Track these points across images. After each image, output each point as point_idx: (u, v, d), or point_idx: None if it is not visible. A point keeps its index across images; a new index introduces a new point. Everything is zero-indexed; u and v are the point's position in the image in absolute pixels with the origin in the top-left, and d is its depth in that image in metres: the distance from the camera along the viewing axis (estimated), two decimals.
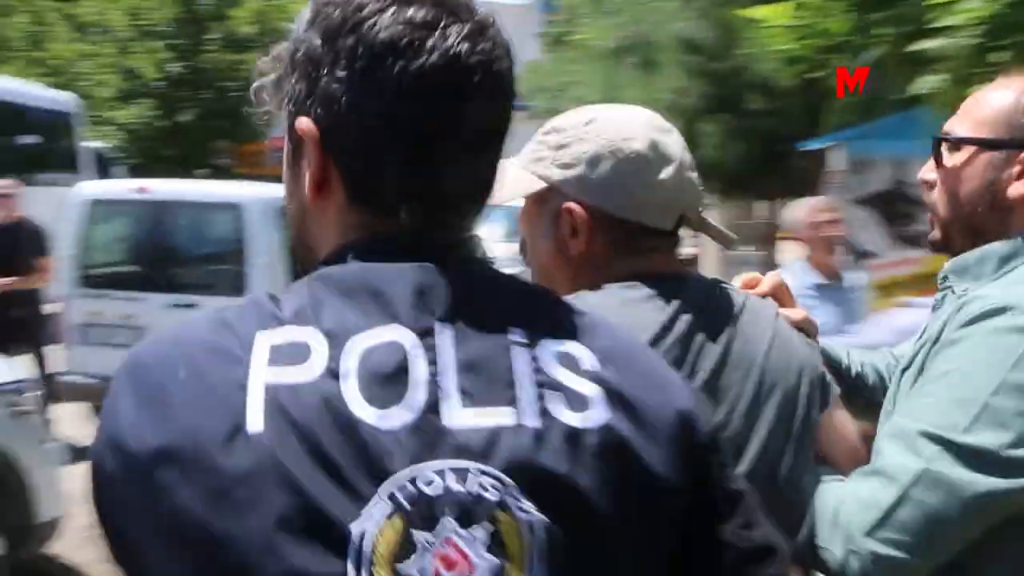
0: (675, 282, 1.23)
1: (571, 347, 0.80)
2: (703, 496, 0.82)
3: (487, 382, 0.76)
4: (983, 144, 1.34)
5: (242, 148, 23.65)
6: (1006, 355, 1.15)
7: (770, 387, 1.22)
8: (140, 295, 6.53)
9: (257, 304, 0.79)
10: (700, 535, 0.82)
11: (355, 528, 0.68)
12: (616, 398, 0.78)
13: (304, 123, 0.84)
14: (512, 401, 0.75)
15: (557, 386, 0.77)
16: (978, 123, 1.36)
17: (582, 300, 1.07)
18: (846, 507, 1.19)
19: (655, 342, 1.14)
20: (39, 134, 13.34)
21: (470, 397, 0.74)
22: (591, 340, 0.82)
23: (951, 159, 1.39)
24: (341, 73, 0.81)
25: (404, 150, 0.81)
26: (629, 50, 10.22)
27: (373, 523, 0.69)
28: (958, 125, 1.39)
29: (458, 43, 0.80)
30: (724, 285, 1.31)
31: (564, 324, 0.83)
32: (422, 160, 0.82)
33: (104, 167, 15.34)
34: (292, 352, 0.74)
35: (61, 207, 6.93)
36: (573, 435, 0.75)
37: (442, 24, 0.80)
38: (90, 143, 14.92)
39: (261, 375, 0.72)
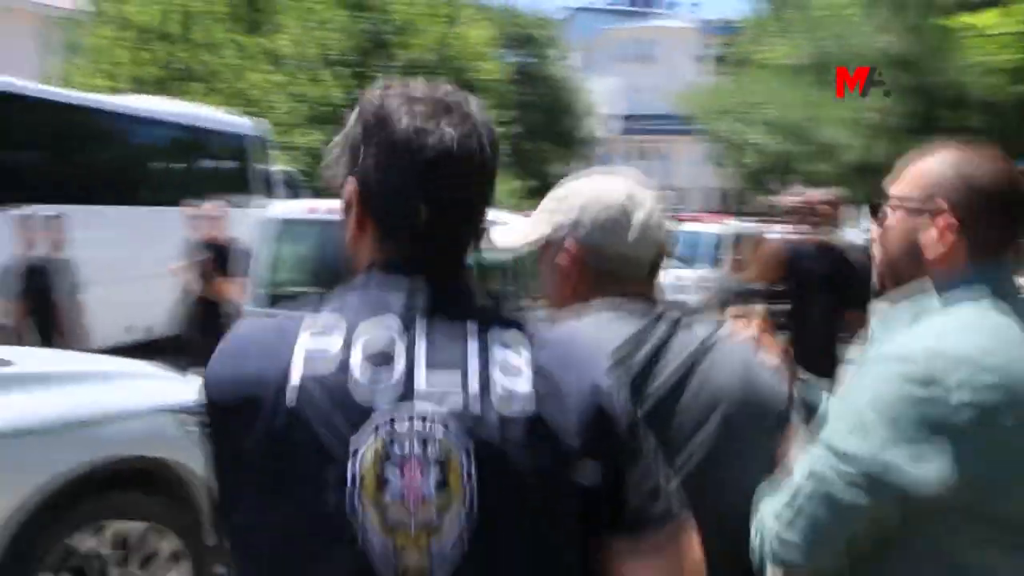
0: (652, 320, 1.52)
1: (513, 337, 1.17)
2: (613, 452, 1.15)
3: (447, 356, 1.13)
4: (907, 208, 1.56)
5: None
6: (887, 383, 1.38)
7: (723, 400, 1.47)
8: None
9: (312, 301, 1.19)
10: (608, 483, 1.14)
11: (352, 445, 1.08)
12: (540, 372, 1.14)
13: (350, 186, 1.25)
14: (464, 370, 1.12)
15: (497, 361, 1.13)
16: (906, 188, 1.57)
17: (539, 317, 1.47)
18: (765, 518, 1.44)
19: (624, 353, 1.44)
20: (230, 158, 13.99)
21: (433, 367, 1.12)
22: (531, 334, 1.18)
23: (888, 218, 1.60)
24: (372, 156, 1.21)
25: (411, 207, 1.19)
26: (825, 67, 9.58)
27: (363, 444, 1.08)
28: (894, 188, 1.60)
29: (450, 137, 1.18)
30: (675, 313, 1.56)
31: (512, 323, 1.20)
32: (423, 214, 1.19)
33: (293, 190, 15.88)
34: (324, 330, 1.14)
35: (253, 228, 7.03)
36: (505, 395, 1.11)
37: (439, 123, 1.18)
38: (280, 167, 15.50)
39: (304, 343, 1.12)
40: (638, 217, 1.58)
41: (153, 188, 12.52)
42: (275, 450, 1.10)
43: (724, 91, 21.32)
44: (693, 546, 1.20)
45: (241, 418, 1.12)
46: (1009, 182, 1.51)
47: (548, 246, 1.65)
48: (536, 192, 42.78)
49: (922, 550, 1.39)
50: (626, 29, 59.41)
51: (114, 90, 20.51)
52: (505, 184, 39.26)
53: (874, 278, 1.66)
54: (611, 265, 1.59)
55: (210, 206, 7.58)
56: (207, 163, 13.76)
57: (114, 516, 3.74)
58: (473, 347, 1.14)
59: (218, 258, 7.15)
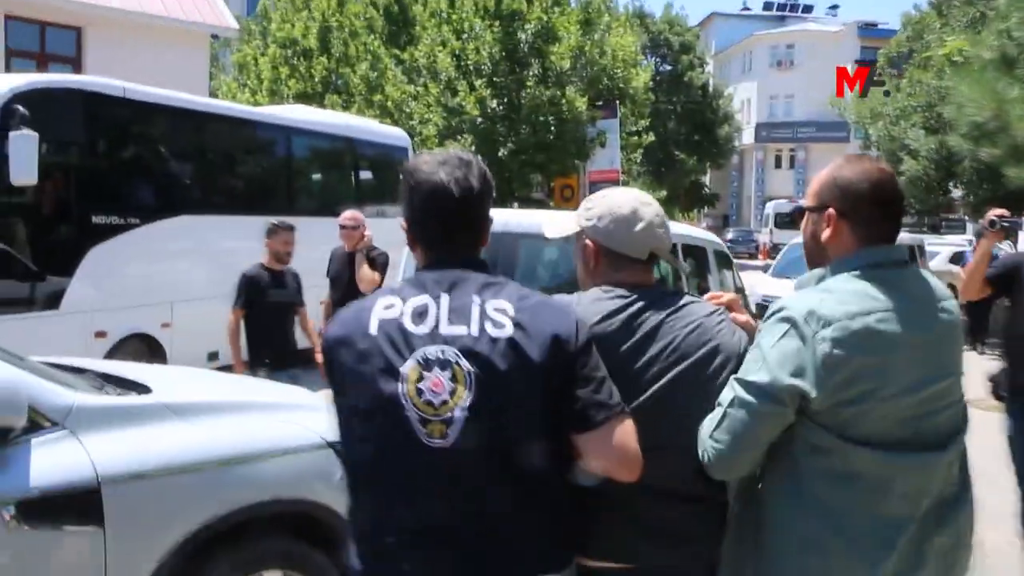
0: (637, 289, 2.19)
1: (502, 303, 1.95)
2: (566, 373, 1.91)
3: (459, 316, 1.93)
4: (808, 209, 2.18)
5: (555, 182, 23.82)
6: (776, 332, 1.99)
7: (682, 353, 2.11)
8: None
9: (383, 289, 2.14)
10: (564, 392, 1.91)
11: (401, 369, 1.90)
12: (518, 324, 1.91)
13: (404, 221, 2.12)
14: (468, 323, 1.92)
15: (490, 318, 1.92)
16: (810, 194, 2.19)
17: (578, 296, 2.21)
18: (703, 426, 2.07)
19: (605, 318, 2.11)
20: (384, 169, 13.89)
21: (451, 322, 1.93)
22: (517, 300, 1.96)
23: (803, 220, 2.22)
24: (413, 202, 2.08)
25: (440, 231, 2.07)
26: (1014, 60, 8.58)
27: (407, 367, 1.89)
28: (807, 196, 2.21)
29: (465, 188, 2.02)
30: (675, 292, 2.28)
31: (504, 292, 1.98)
32: (446, 233, 2.06)
33: None
34: (389, 303, 1.98)
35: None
36: (493, 339, 1.90)
37: (456, 176, 2.02)
38: None
39: (378, 313, 1.97)
40: (638, 224, 2.24)
41: (310, 198, 12.54)
42: (361, 360, 1.95)
43: (879, 94, 20.13)
44: (626, 438, 1.93)
45: (343, 345, 1.99)
46: (875, 183, 2.08)
47: (579, 237, 2.34)
48: (672, 200, 42.17)
49: (797, 463, 2.02)
50: (765, 34, 57.73)
51: (256, 105, 20.92)
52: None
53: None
54: (615, 255, 2.25)
55: (352, 215, 7.31)
56: (362, 173, 13.74)
57: (275, 565, 3.40)
58: (475, 310, 1.94)
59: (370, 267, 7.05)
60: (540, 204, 23.50)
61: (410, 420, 1.88)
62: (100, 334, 8.51)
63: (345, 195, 12.74)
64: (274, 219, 6.80)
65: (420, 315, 1.94)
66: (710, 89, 46.65)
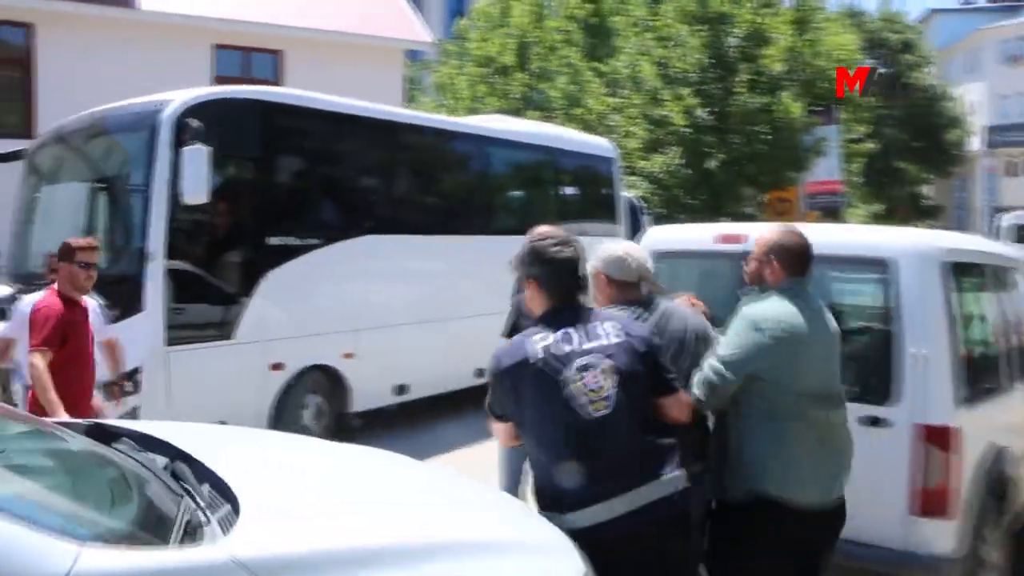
0: (639, 302, 3.56)
1: (608, 324, 3.15)
2: (653, 364, 3.14)
3: (590, 336, 3.09)
4: (758, 257, 3.65)
5: (770, 195, 21.95)
6: (742, 329, 3.40)
7: (672, 336, 3.47)
8: None
9: (533, 327, 3.20)
10: (655, 376, 3.14)
11: (564, 373, 3.01)
12: (624, 333, 3.12)
13: (531, 282, 3.27)
14: (598, 338, 3.09)
15: (608, 332, 3.11)
16: (756, 249, 3.64)
17: (608, 311, 3.40)
18: (694, 383, 3.39)
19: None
20: (593, 183, 12.83)
21: (586, 340, 3.08)
22: (616, 322, 3.19)
23: (750, 262, 3.69)
24: (544, 270, 3.21)
25: (564, 285, 3.19)
26: None
27: (570, 371, 3.01)
28: (754, 248, 3.69)
29: (570, 256, 3.20)
30: (663, 300, 3.65)
31: (607, 319, 3.19)
32: (568, 287, 3.20)
33: (636, 218, 14.49)
34: (542, 336, 3.09)
35: None
36: (618, 343, 3.09)
37: (565, 250, 3.20)
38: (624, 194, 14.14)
39: (534, 342, 3.07)
40: (628, 262, 3.62)
41: (509, 215, 11.54)
42: (534, 382, 3.00)
43: None
44: (686, 397, 3.27)
45: (514, 374, 3.04)
46: (797, 241, 3.58)
47: (595, 274, 3.63)
48: (889, 214, 38.93)
49: (745, 400, 3.43)
50: (993, 28, 52.79)
51: None
52: (862, 208, 35.82)
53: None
54: (616, 284, 3.62)
55: (544, 231, 6.08)
56: (565, 187, 12.67)
57: None
58: (596, 329, 3.09)
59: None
60: (752, 220, 21.75)
61: (577, 408, 2.99)
62: (277, 366, 7.76)
63: (546, 211, 11.68)
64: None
65: (565, 341, 3.08)
66: (936, 92, 42.94)
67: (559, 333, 3.05)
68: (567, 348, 3.02)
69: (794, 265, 3.52)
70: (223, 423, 7.36)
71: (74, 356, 5.20)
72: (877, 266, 4.41)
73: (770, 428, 3.34)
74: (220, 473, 2.36)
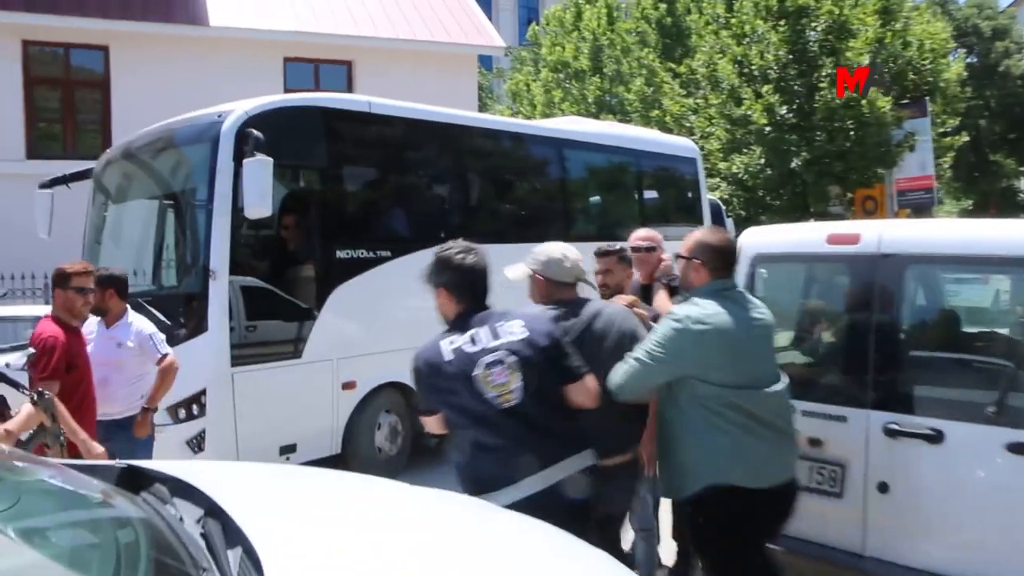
0: (569, 304, 3.77)
1: (514, 321, 3.39)
2: (556, 355, 3.38)
3: (493, 334, 3.34)
4: (684, 258, 3.72)
5: (856, 193, 21.01)
6: (666, 329, 3.51)
7: (601, 335, 3.72)
8: (832, 409, 4.12)
9: (446, 330, 3.48)
10: (559, 366, 3.39)
11: (474, 370, 3.28)
12: (528, 330, 3.36)
13: (442, 290, 3.55)
14: (503, 337, 3.34)
15: (511, 330, 3.35)
16: (684, 250, 3.73)
17: (532, 308, 3.74)
18: (613, 374, 3.57)
19: (559, 319, 3.65)
20: (676, 185, 12.33)
21: (491, 339, 3.34)
22: (520, 320, 3.40)
23: (682, 264, 3.76)
24: (454, 278, 3.49)
25: (470, 290, 3.48)
26: None
27: (478, 368, 3.28)
28: (681, 250, 3.76)
29: (474, 263, 3.47)
30: (593, 301, 3.89)
31: (512, 318, 3.41)
32: (474, 291, 3.48)
33: (719, 220, 13.86)
34: (451, 338, 3.37)
35: None
36: (522, 339, 3.34)
37: (469, 257, 3.47)
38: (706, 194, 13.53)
39: (445, 343, 3.35)
40: (565, 263, 3.81)
41: (588, 220, 11.06)
42: (447, 379, 3.29)
43: None
44: (592, 383, 3.42)
45: (430, 373, 3.34)
46: (721, 241, 3.72)
47: (532, 276, 3.86)
48: (980, 210, 37.22)
49: (678, 397, 3.57)
50: None
51: None
52: (952, 204, 34.36)
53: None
54: (553, 284, 3.82)
55: (648, 235, 5.54)
56: (646, 190, 12.09)
57: None
58: (502, 328, 3.34)
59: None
60: (838, 219, 20.85)
61: (487, 400, 3.27)
62: (348, 385, 7.42)
63: (627, 215, 11.17)
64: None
65: (471, 342, 3.34)
66: None
67: (468, 334, 3.35)
68: (475, 348, 3.32)
69: (719, 266, 3.69)
70: (293, 446, 7.08)
71: (77, 384, 4.96)
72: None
73: (712, 423, 3.49)
74: (254, 538, 1.95)
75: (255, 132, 6.44)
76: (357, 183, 8.25)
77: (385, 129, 8.12)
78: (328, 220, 7.59)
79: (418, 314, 7.98)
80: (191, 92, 12.52)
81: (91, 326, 5.59)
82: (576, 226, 10.44)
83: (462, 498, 3.08)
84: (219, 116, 6.85)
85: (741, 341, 3.49)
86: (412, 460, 8.15)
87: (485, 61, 32.02)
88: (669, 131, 20.40)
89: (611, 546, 3.53)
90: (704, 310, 3.49)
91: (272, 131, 6.60)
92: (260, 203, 6.26)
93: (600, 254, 4.80)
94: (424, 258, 8.08)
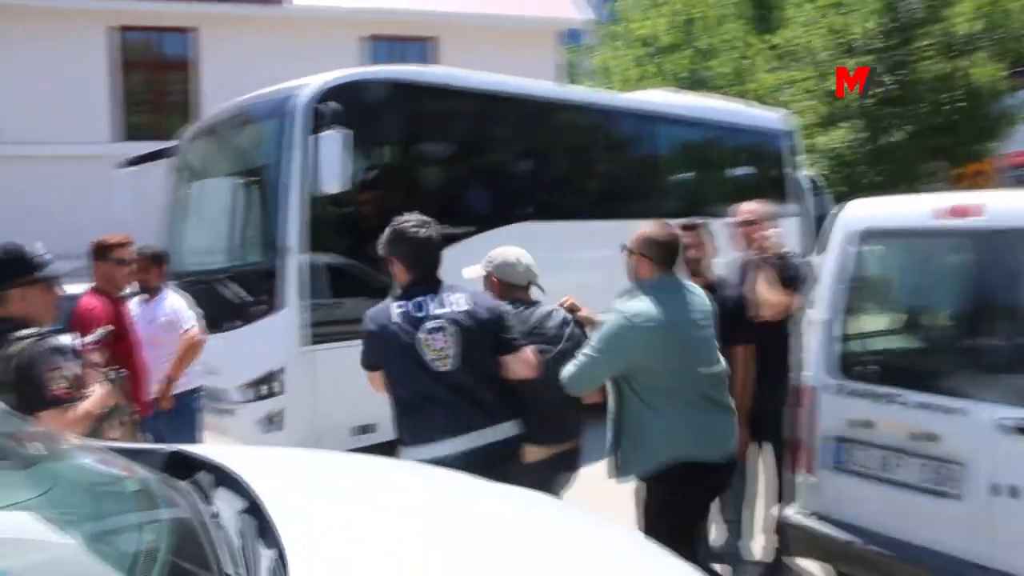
0: (524, 302, 4.01)
1: (461, 295, 3.64)
2: (496, 328, 3.64)
3: (440, 304, 3.59)
4: (630, 251, 3.88)
5: (966, 168, 19.97)
6: (613, 324, 3.68)
7: (545, 331, 3.91)
8: (949, 401, 3.63)
9: (393, 295, 3.71)
10: (498, 338, 3.64)
11: (417, 333, 3.53)
12: (471, 303, 3.63)
13: (395, 260, 3.78)
14: (447, 306, 3.59)
15: (455, 301, 3.60)
16: (631, 244, 3.87)
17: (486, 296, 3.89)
18: (568, 367, 3.74)
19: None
20: (763, 160, 11.77)
21: (437, 308, 3.58)
22: (467, 294, 3.66)
23: (628, 258, 3.91)
24: (406, 248, 3.72)
25: (421, 261, 3.70)
26: None
27: (420, 332, 3.52)
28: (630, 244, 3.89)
29: (428, 236, 3.68)
30: (545, 304, 4.07)
31: (459, 291, 3.66)
32: (425, 263, 3.70)
33: (817, 196, 13.22)
34: (400, 303, 3.61)
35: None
36: (464, 310, 3.59)
37: (422, 231, 3.68)
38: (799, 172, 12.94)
39: (394, 307, 3.59)
40: (518, 267, 4.03)
41: (676, 197, 10.68)
42: (391, 339, 3.50)
43: None
44: (529, 354, 3.67)
45: (376, 332, 3.55)
46: (666, 236, 3.81)
47: (487, 276, 4.07)
48: None
49: (632, 383, 3.73)
50: None
51: None
52: None
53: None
54: (506, 285, 4.02)
55: (753, 208, 5.14)
56: (737, 165, 11.61)
57: None
58: (448, 299, 3.58)
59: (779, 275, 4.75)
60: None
61: (427, 363, 3.52)
62: None
63: (717, 191, 10.72)
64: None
65: (418, 307, 3.59)
66: None
67: (414, 302, 3.61)
68: (419, 314, 3.57)
69: (663, 260, 3.83)
70: (373, 426, 6.91)
71: (127, 355, 4.89)
72: None
73: (665, 404, 3.70)
74: (287, 542, 1.72)
75: (330, 105, 6.27)
76: (436, 157, 8.04)
77: (465, 102, 7.88)
78: (406, 195, 7.38)
79: None
80: (276, 72, 12.43)
81: (132, 304, 5.59)
82: (663, 203, 10.05)
83: (519, 492, 2.80)
84: (295, 89, 6.70)
85: (684, 331, 3.71)
86: None
87: (573, 38, 31.61)
88: (762, 105, 19.74)
89: None
90: (648, 304, 3.68)
91: (348, 104, 6.42)
92: (335, 178, 6.09)
93: (683, 228, 4.49)
94: (506, 235, 8.06)
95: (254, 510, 1.96)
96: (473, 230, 7.56)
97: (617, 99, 10.60)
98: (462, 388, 3.52)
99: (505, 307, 3.73)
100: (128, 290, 5.46)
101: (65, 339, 3.38)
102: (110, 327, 4.15)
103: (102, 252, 5.10)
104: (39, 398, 3.06)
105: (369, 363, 3.66)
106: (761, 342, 4.58)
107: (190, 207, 8.06)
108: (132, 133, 14.79)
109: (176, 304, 5.68)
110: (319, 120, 6.28)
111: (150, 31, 15.47)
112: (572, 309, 4.10)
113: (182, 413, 5.65)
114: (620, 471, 3.86)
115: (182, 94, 15.57)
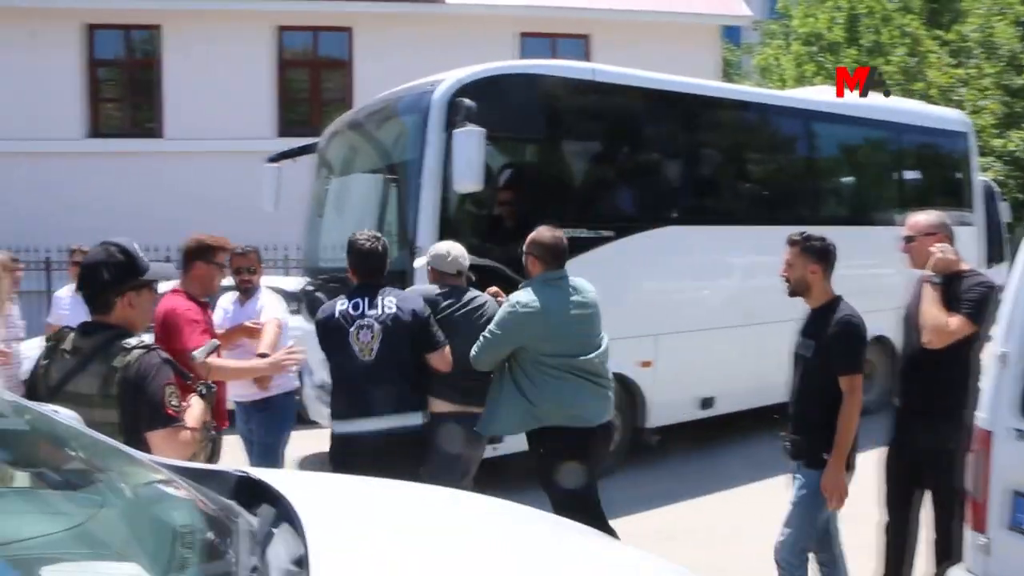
0: (452, 288, 4.92)
1: (391, 296, 4.56)
2: (418, 329, 4.53)
3: (372, 305, 4.52)
4: (525, 253, 4.94)
5: None
6: (504, 312, 4.64)
7: (468, 313, 4.84)
8: None
9: (342, 294, 4.73)
10: (420, 338, 4.55)
11: (350, 328, 4.49)
12: (398, 306, 4.52)
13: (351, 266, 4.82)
14: (376, 307, 4.52)
15: (384, 304, 4.52)
16: (525, 246, 4.97)
17: (395, 290, 4.75)
18: (474, 347, 4.70)
19: (434, 301, 4.79)
20: (928, 162, 10.89)
21: (369, 308, 4.51)
22: (396, 295, 4.61)
23: (525, 258, 5.08)
24: (353, 256, 4.72)
25: (365, 268, 4.65)
26: None
27: (352, 328, 4.47)
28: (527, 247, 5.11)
29: (372, 248, 4.64)
30: (473, 291, 5.01)
31: (390, 293, 4.59)
32: (368, 269, 4.65)
33: (992, 202, 12.07)
34: (343, 301, 4.58)
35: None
36: (389, 313, 4.49)
37: (369, 244, 4.64)
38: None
39: (339, 304, 4.58)
40: (447, 258, 4.93)
41: (838, 202, 10.04)
42: (332, 329, 4.51)
43: None
44: (447, 353, 4.60)
45: (323, 325, 4.57)
46: (550, 239, 4.75)
47: (429, 267, 5.03)
48: None
49: (521, 360, 4.67)
50: None
51: None
52: None
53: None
54: (439, 273, 4.95)
55: (919, 222, 4.54)
56: (907, 168, 10.74)
57: None
58: (380, 302, 4.50)
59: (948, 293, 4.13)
60: None
61: (354, 354, 4.39)
62: None
63: (885, 196, 9.98)
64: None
65: (355, 307, 4.48)
66: None
67: (353, 301, 4.53)
68: (355, 312, 4.49)
69: (549, 260, 4.75)
70: (498, 436, 6.66)
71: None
72: None
73: (548, 377, 4.63)
74: None
75: (467, 101, 6.04)
76: (578, 156, 7.71)
77: (610, 99, 7.49)
78: (544, 196, 7.11)
79: (642, 300, 7.46)
80: (427, 70, 12.44)
81: (226, 304, 5.56)
82: (824, 209, 9.41)
83: (574, 526, 2.49)
84: (431, 85, 6.52)
85: (561, 319, 4.65)
86: (630, 458, 7.57)
87: (732, 36, 30.62)
88: (936, 103, 18.52)
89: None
90: (531, 295, 4.64)
91: (486, 100, 6.19)
92: (470, 176, 5.86)
93: (788, 243, 4.33)
94: (653, 239, 7.68)
95: (303, 563, 1.70)
96: (615, 235, 7.22)
97: (776, 96, 9.99)
98: (377, 378, 4.43)
99: (427, 311, 4.62)
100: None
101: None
102: (216, 341, 3.98)
103: (207, 253, 4.92)
104: (155, 416, 2.84)
105: (320, 345, 4.66)
106: (930, 372, 4.13)
107: (329, 203, 8.04)
108: (290, 129, 15.13)
109: (267, 302, 5.61)
110: (454, 116, 6.07)
111: (308, 30, 15.79)
112: (496, 295, 5.10)
113: (275, 415, 5.59)
114: (487, 428, 4.83)
115: (338, 91, 15.84)
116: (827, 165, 9.86)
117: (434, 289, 4.88)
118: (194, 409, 3.12)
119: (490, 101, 6.26)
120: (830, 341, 4.06)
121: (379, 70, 14.35)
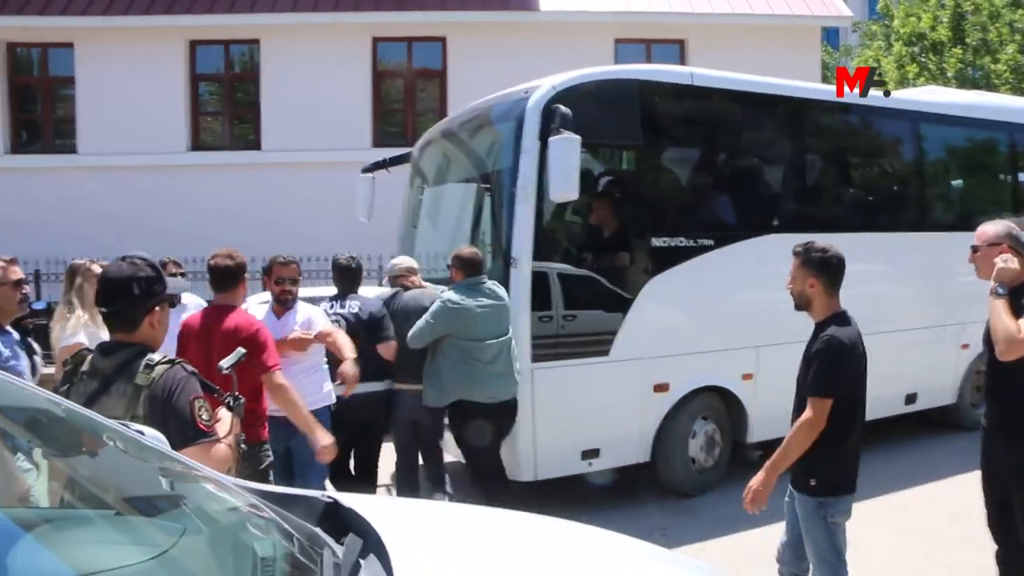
0: (404, 288, 6.48)
1: (356, 300, 6.18)
2: (372, 326, 6.05)
3: (343, 307, 6.13)
4: (452, 267, 6.38)
5: None
6: (436, 306, 5.90)
7: (406, 306, 6.29)
8: None
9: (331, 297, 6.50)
10: (374, 331, 6.04)
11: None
12: (359, 308, 6.09)
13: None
14: (346, 309, 6.12)
15: (351, 306, 6.12)
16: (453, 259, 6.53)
17: (363, 296, 6.45)
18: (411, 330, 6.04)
19: (388, 301, 6.42)
20: None
21: (340, 308, 6.16)
22: (361, 302, 6.18)
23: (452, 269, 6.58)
24: (335, 269, 6.55)
25: (341, 279, 6.36)
26: None
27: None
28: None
29: (348, 265, 6.42)
30: (414, 290, 6.44)
31: (358, 300, 6.19)
32: (343, 280, 6.39)
33: None
34: (330, 304, 6.32)
35: None
36: (351, 312, 6.09)
37: (348, 262, 6.41)
38: None
39: (325, 306, 6.37)
40: (396, 266, 6.64)
41: (947, 208, 9.61)
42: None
43: None
44: (392, 345, 6.10)
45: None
46: (469, 254, 6.01)
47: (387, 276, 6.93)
48: None
49: (443, 344, 5.95)
50: None
51: None
52: None
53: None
54: (392, 277, 6.69)
55: (984, 231, 4.26)
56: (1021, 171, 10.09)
57: None
58: (348, 304, 6.13)
59: None
60: None
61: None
62: (660, 387, 6.76)
63: (997, 201, 9.49)
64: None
65: (331, 307, 6.06)
66: None
67: (335, 303, 6.15)
68: (331, 311, 6.03)
69: (468, 270, 5.92)
70: (596, 451, 6.54)
71: (255, 375, 4.64)
72: None
73: (461, 359, 5.83)
74: None
75: (562, 108, 5.92)
76: (676, 164, 7.50)
77: (709, 103, 7.30)
78: (643, 204, 6.94)
79: (745, 311, 7.22)
80: (521, 78, 12.39)
81: (259, 316, 5.38)
82: (932, 215, 8.99)
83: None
84: (525, 93, 6.42)
85: (474, 315, 5.77)
86: (731, 472, 7.31)
87: (831, 39, 29.83)
88: None
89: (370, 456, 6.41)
90: (457, 296, 5.80)
91: (582, 107, 6.07)
92: (566, 185, 5.73)
93: (792, 253, 4.09)
94: (753, 248, 7.41)
95: None
96: (716, 243, 7.01)
97: (881, 98, 9.55)
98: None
99: (382, 312, 6.13)
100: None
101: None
102: (243, 350, 3.80)
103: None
104: (187, 432, 2.73)
105: None
106: (1008, 386, 3.93)
107: (423, 213, 8.01)
108: (385, 140, 15.24)
109: (308, 312, 5.62)
110: (549, 124, 5.96)
111: (402, 41, 15.89)
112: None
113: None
114: (424, 400, 6.03)
115: (432, 101, 15.90)
116: (936, 169, 9.41)
117: (381, 310, 6.17)
118: (223, 424, 3.00)
119: (586, 108, 6.13)
120: (811, 359, 3.88)
121: (473, 79, 14.34)
